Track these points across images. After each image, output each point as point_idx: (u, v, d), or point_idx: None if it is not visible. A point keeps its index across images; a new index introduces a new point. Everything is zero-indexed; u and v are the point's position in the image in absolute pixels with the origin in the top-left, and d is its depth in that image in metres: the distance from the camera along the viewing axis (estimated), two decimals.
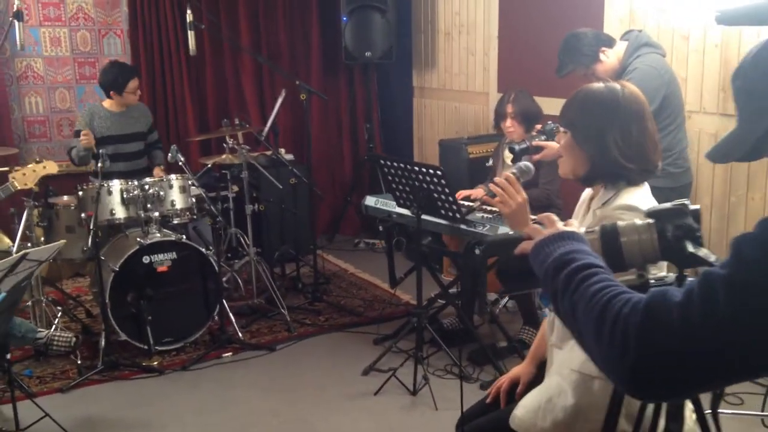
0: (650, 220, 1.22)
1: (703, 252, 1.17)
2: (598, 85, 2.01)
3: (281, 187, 4.70)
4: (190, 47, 4.58)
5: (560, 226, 1.26)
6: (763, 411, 3.02)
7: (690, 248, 1.16)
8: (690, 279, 1.24)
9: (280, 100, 4.95)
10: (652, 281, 1.22)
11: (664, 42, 3.73)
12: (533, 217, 3.25)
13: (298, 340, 4.27)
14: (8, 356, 3.20)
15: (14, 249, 3.93)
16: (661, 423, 1.39)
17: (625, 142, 1.93)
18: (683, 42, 3.89)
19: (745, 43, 3.58)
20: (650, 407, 1.46)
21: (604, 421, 1.59)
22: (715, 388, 1.06)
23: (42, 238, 4.24)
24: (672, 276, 1.27)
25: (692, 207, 1.21)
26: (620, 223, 1.25)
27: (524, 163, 2.30)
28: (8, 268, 2.86)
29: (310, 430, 3.34)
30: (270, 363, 4.01)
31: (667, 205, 1.22)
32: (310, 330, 4.39)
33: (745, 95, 1.10)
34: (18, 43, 4.06)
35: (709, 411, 1.41)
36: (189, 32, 4.54)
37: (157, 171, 4.77)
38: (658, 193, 2.02)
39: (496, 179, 2.18)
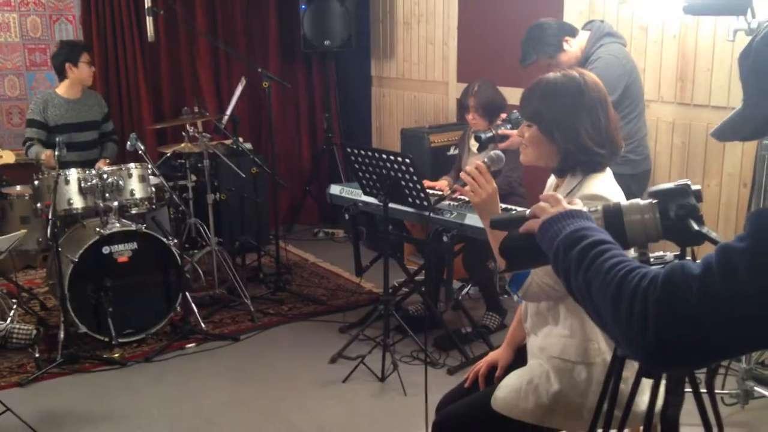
0: (653, 200, 1.25)
1: (710, 231, 1.20)
2: (557, 75, 2.01)
3: (244, 176, 4.64)
4: (149, 34, 4.48)
5: (566, 204, 1.28)
6: (723, 389, 3.13)
7: (695, 227, 1.20)
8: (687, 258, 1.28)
9: (240, 89, 4.89)
10: (652, 260, 1.25)
11: (623, 33, 3.80)
12: (503, 205, 3.28)
13: (263, 329, 4.24)
14: None
15: None
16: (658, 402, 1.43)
17: (595, 129, 1.96)
18: (642, 33, 3.98)
19: (702, 34, 3.68)
20: (646, 394, 1.49)
21: (596, 407, 1.61)
22: (733, 357, 1.09)
23: None
24: (671, 255, 1.30)
25: (694, 187, 1.24)
26: (623, 202, 1.27)
27: (495, 152, 2.27)
28: None
29: (281, 419, 3.32)
30: (235, 353, 3.98)
31: (670, 184, 1.25)
32: (274, 320, 4.37)
33: (753, 75, 1.13)
34: None
35: (704, 391, 1.45)
36: (147, 18, 4.45)
37: (100, 164, 4.61)
38: (620, 180, 2.07)
39: (467, 168, 2.15)
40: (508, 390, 2.04)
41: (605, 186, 1.98)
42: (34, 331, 3.87)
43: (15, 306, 4.10)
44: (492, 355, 2.32)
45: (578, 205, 1.29)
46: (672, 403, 1.35)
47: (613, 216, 1.25)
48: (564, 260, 1.16)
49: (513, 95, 4.35)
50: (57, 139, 3.93)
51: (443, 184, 4.18)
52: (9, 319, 3.91)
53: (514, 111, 3.67)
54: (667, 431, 1.35)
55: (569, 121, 1.96)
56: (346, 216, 3.93)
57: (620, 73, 3.43)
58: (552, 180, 2.17)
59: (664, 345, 1.02)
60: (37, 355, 3.78)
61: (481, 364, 2.31)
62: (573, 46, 3.58)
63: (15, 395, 3.45)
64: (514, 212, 1.38)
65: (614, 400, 1.53)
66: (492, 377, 2.25)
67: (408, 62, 5.90)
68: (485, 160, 2.19)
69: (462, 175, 2.19)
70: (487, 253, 3.63)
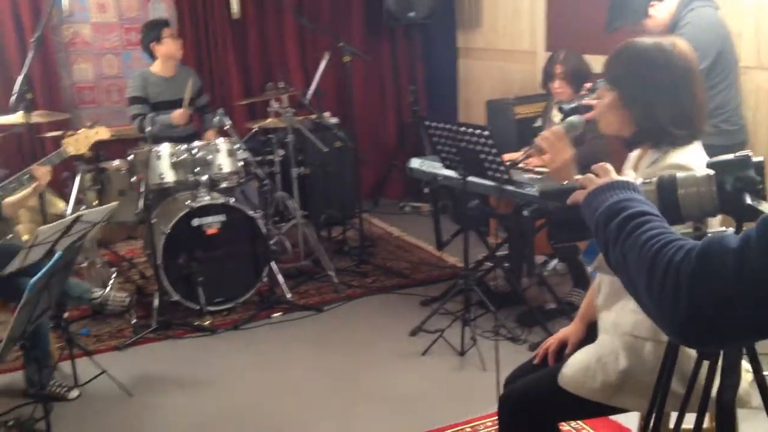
0: (710, 172, 1.19)
1: (762, 205, 1.14)
2: (647, 42, 1.91)
3: (326, 150, 4.70)
4: (233, 10, 4.58)
5: (614, 175, 1.24)
6: None
7: (748, 200, 1.13)
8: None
9: (323, 63, 4.94)
10: (710, 235, 1.19)
11: None
12: (578, 177, 3.16)
13: (346, 301, 4.31)
14: (66, 315, 3.33)
15: (69, 212, 4.04)
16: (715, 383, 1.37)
17: (675, 108, 1.85)
18: None
19: None
20: (704, 368, 1.44)
21: (655, 385, 1.56)
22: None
23: (95, 202, 4.34)
24: (731, 230, 1.23)
25: (755, 159, 1.17)
26: (679, 174, 1.21)
27: (574, 117, 2.19)
28: (63, 230, 2.95)
29: (361, 388, 3.38)
30: (319, 323, 4.07)
31: (729, 156, 1.19)
32: (357, 292, 4.44)
33: None
34: (67, 8, 4.11)
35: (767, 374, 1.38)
36: None
37: (208, 134, 4.78)
38: (713, 152, 1.95)
39: (544, 133, 2.10)
40: (575, 368, 2.00)
41: (690, 156, 1.87)
42: (128, 299, 4.09)
43: (114, 275, 4.33)
44: (563, 332, 2.28)
45: (629, 176, 1.25)
46: (726, 386, 1.28)
47: (666, 189, 1.20)
48: (604, 232, 1.13)
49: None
50: (148, 116, 4.09)
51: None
52: (108, 287, 4.14)
53: (599, 81, 3.55)
54: (722, 416, 1.29)
55: (649, 95, 1.86)
56: (425, 190, 3.92)
57: (711, 39, 3.26)
58: (636, 151, 2.09)
59: (695, 320, 0.97)
60: (134, 321, 4.00)
61: (552, 341, 2.27)
62: (661, 11, 3.42)
63: (113, 358, 3.67)
64: (566, 183, 1.34)
65: (670, 379, 1.48)
66: (563, 354, 2.21)
67: (494, 32, 5.79)
68: (563, 125, 2.13)
69: (538, 140, 2.13)
70: None
